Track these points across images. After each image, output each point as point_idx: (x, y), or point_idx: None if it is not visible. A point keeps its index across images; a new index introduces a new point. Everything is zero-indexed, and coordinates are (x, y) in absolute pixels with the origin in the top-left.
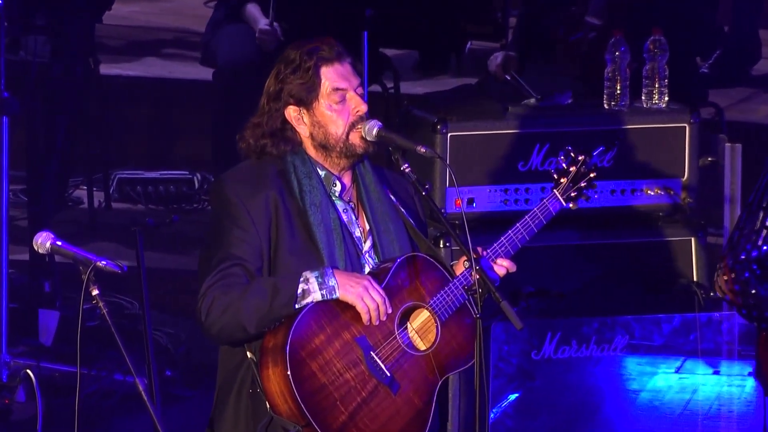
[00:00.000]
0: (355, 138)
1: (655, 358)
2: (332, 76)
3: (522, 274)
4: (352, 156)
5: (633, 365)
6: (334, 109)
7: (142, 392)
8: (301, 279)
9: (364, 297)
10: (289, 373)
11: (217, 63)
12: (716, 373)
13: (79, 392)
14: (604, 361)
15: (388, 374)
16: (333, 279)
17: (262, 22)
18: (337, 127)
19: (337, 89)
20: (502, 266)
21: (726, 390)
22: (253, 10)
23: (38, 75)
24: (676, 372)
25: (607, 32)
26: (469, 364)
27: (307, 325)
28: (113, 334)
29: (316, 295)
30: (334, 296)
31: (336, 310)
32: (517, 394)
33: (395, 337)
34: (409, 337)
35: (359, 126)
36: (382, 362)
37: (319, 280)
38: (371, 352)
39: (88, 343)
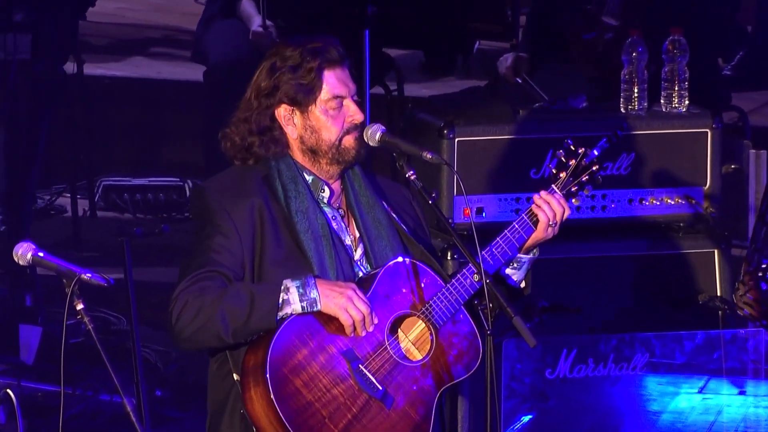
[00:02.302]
0: (348, 141)
1: (676, 377)
2: (333, 82)
3: (536, 288)
4: (344, 162)
5: (653, 385)
6: (329, 115)
7: (131, 413)
8: (282, 288)
9: (348, 308)
10: (270, 391)
11: (208, 61)
12: (742, 393)
13: (62, 413)
14: (623, 381)
15: (380, 387)
16: (315, 290)
17: (256, 24)
18: (330, 134)
19: (337, 96)
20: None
21: (752, 411)
22: (247, 7)
23: (18, 75)
24: (700, 392)
25: (623, 32)
26: (469, 373)
27: (287, 339)
28: (99, 352)
29: (296, 307)
30: (315, 308)
31: (319, 322)
32: (530, 416)
33: (386, 348)
34: (401, 348)
35: (353, 133)
36: (372, 375)
37: (300, 290)
38: (360, 365)
39: (73, 361)
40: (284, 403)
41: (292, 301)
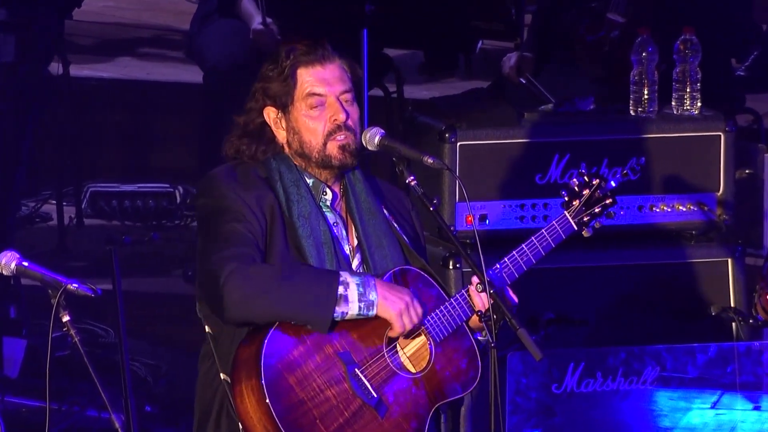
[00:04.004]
0: (332, 149)
1: (688, 392)
2: (309, 80)
3: (541, 299)
4: (330, 168)
5: (664, 400)
6: (310, 116)
7: (119, 430)
8: (341, 279)
9: (404, 315)
10: (263, 386)
11: (206, 63)
12: (757, 408)
13: (48, 430)
14: (633, 396)
15: (375, 395)
16: (374, 292)
17: (256, 22)
18: (312, 136)
19: (313, 94)
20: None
21: None
22: (248, 6)
23: (2, 77)
24: (713, 407)
25: (632, 31)
26: (467, 391)
27: (284, 334)
28: (86, 365)
29: (353, 307)
30: (370, 312)
31: None
32: None
33: (383, 356)
34: (399, 358)
35: (338, 136)
36: (368, 381)
37: (360, 289)
38: (356, 369)
39: (59, 375)
40: (276, 400)
41: (350, 299)
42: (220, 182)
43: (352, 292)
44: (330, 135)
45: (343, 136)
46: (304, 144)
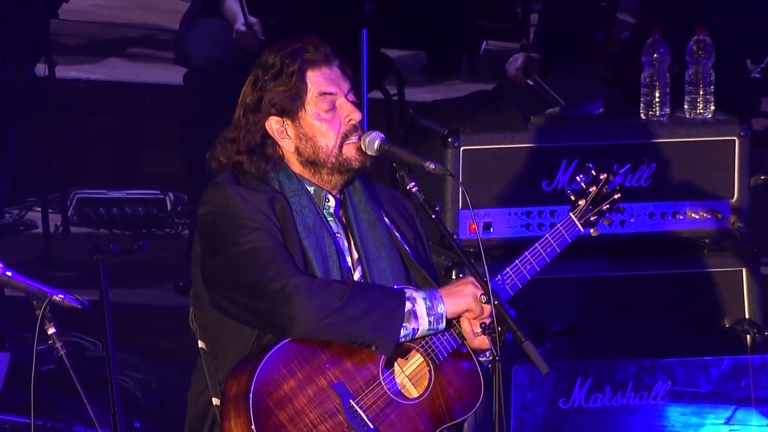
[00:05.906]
0: (349, 151)
1: (701, 407)
2: (319, 80)
3: (548, 310)
4: (347, 171)
5: (676, 415)
6: (322, 118)
7: None
8: (406, 296)
9: (478, 304)
10: (252, 424)
11: (190, 63)
12: None
13: None
14: (643, 411)
15: (371, 426)
16: (442, 304)
17: (239, 22)
18: (327, 139)
19: (325, 93)
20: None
21: None
22: (232, 4)
23: None
24: (726, 423)
25: (643, 31)
26: (468, 414)
27: (274, 368)
28: (73, 380)
29: (423, 323)
30: (440, 326)
31: (309, 350)
32: None
33: (380, 383)
34: (396, 383)
35: (353, 137)
36: (364, 412)
37: (427, 303)
38: (351, 401)
39: (44, 390)
40: None
41: (419, 314)
42: (231, 191)
43: (420, 307)
44: (346, 136)
45: (357, 137)
46: (319, 149)
